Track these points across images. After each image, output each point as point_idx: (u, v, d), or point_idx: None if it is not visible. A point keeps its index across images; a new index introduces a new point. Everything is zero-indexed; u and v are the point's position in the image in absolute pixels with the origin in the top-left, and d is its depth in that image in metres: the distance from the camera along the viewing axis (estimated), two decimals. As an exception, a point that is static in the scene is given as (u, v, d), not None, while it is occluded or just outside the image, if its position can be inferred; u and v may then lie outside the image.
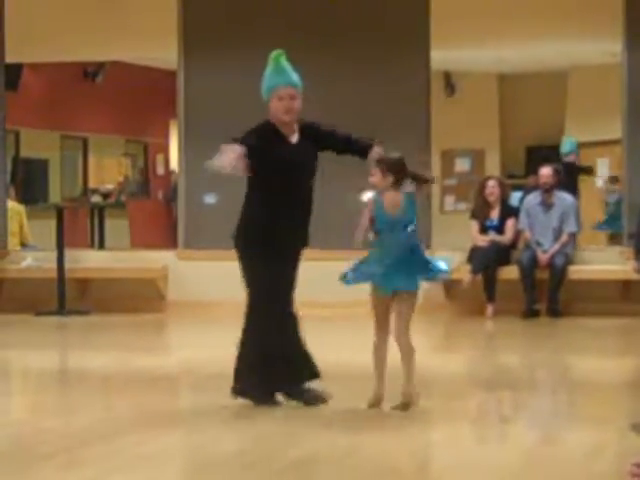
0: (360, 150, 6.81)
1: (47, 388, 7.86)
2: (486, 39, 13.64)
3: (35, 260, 12.82)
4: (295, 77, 6.54)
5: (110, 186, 18.52)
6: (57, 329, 11.96)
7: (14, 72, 14.29)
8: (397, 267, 6.33)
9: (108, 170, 19.17)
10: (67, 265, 12.29)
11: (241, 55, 13.24)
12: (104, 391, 8.88)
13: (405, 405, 6.29)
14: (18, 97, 14.66)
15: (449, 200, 16.39)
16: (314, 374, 6.59)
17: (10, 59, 13.58)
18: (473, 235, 12.67)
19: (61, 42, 13.79)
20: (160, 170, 19.95)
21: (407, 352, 6.31)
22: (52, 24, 13.48)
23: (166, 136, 18.96)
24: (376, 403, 6.29)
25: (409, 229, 6.44)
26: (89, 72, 17.22)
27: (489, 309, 12.25)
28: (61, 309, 12.09)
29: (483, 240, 12.46)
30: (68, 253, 12.23)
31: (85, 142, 18.26)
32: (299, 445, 6.01)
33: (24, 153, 16.53)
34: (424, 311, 11.64)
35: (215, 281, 12.84)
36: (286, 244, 6.51)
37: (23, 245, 13.46)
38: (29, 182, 16.35)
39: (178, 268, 13.36)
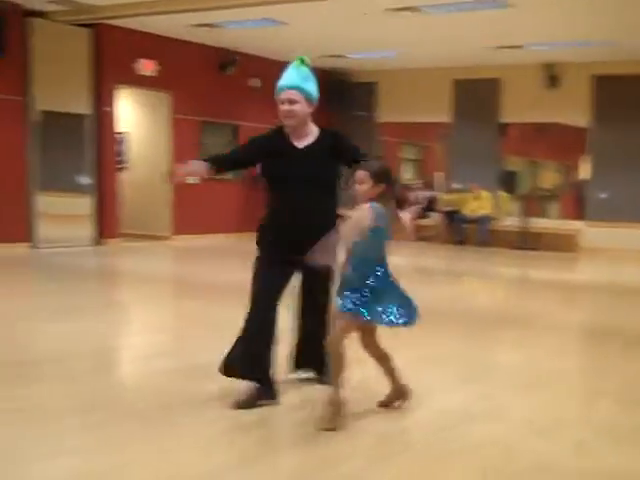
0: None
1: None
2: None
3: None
4: (298, 80, 4.42)
5: (549, 186, 19.21)
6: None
7: (504, 127, 15.71)
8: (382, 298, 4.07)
9: (546, 177, 19.78)
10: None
11: (617, 120, 14.41)
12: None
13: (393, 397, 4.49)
14: (507, 140, 16.00)
15: None
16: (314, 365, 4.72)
17: (503, 120, 15.46)
18: None
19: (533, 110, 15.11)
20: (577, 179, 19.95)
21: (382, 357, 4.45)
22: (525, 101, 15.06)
23: (577, 161, 19.14)
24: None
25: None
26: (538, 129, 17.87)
27: None
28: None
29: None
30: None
31: (535, 164, 19.28)
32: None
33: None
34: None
35: (609, 238, 14.14)
36: (282, 247, 4.44)
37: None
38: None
39: (585, 229, 14.51)
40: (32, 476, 3.37)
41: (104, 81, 13.08)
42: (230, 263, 11.64)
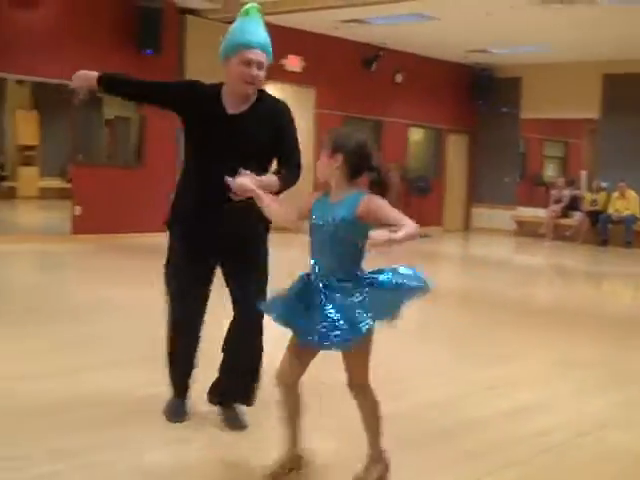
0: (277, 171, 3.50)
1: None
2: None
3: None
4: (267, 40, 3.53)
5: None
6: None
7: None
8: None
9: None
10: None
11: None
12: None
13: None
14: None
15: None
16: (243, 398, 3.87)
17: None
18: None
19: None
20: None
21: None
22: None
23: None
24: None
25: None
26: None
27: None
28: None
29: None
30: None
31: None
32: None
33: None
34: None
35: None
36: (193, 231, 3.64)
37: None
38: None
39: None
40: (144, 464, 3.36)
41: (253, 77, 13.34)
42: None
